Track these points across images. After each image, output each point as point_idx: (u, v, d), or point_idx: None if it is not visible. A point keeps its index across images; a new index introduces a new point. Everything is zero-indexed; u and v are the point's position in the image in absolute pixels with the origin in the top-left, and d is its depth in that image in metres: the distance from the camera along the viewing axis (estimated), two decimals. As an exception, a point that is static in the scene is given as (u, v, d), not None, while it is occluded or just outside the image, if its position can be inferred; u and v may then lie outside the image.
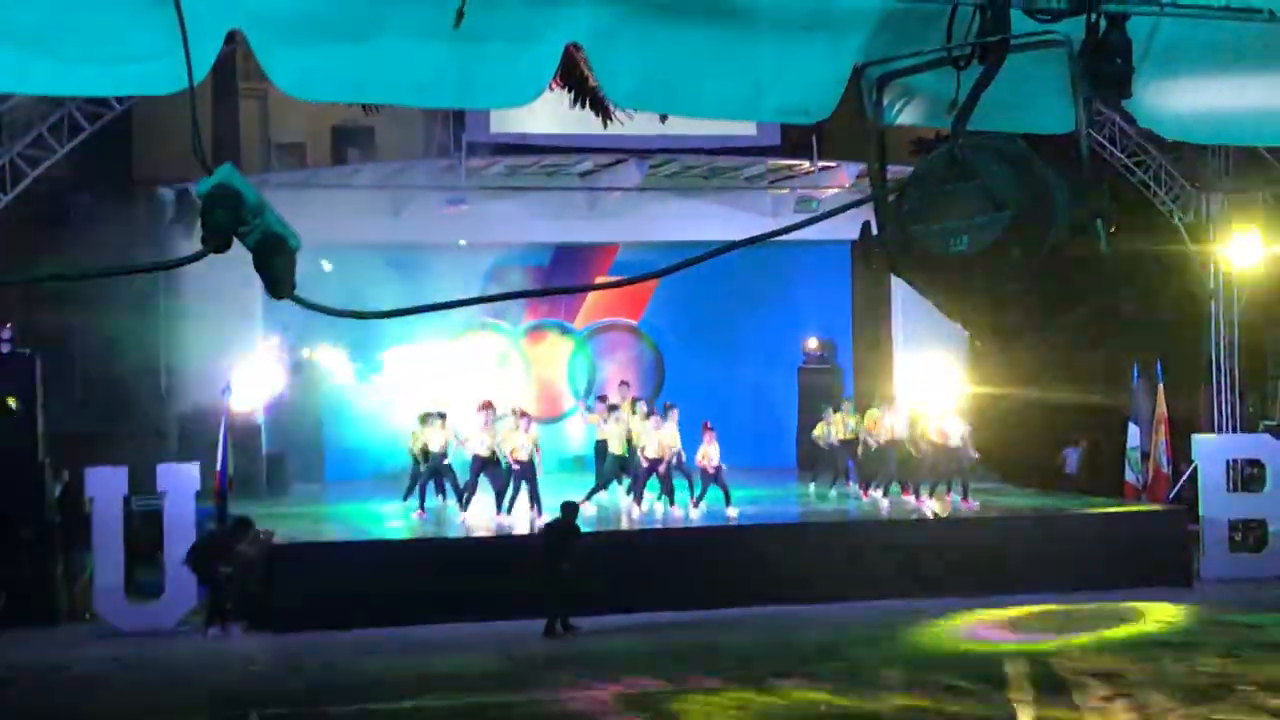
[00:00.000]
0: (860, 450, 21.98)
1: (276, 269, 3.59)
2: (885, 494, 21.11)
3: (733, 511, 19.81)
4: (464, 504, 19.69)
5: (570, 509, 16.86)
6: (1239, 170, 23.38)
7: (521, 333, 27.21)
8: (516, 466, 19.44)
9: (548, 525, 17.07)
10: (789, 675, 14.07)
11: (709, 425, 20.39)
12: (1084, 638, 16.06)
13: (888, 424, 21.43)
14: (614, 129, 16.98)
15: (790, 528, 19.84)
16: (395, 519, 20.25)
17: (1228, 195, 23.54)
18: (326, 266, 21.02)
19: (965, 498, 20.63)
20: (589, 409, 23.57)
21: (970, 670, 14.23)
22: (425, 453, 20.11)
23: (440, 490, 20.28)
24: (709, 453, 20.11)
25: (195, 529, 17.67)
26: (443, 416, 20.32)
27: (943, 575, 18.43)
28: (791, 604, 17.58)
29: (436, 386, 25.57)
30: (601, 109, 12.62)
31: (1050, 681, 13.71)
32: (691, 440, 20.38)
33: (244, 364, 21.77)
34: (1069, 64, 4.38)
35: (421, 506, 20.08)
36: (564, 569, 16.17)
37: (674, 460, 20.14)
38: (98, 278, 3.73)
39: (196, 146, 3.86)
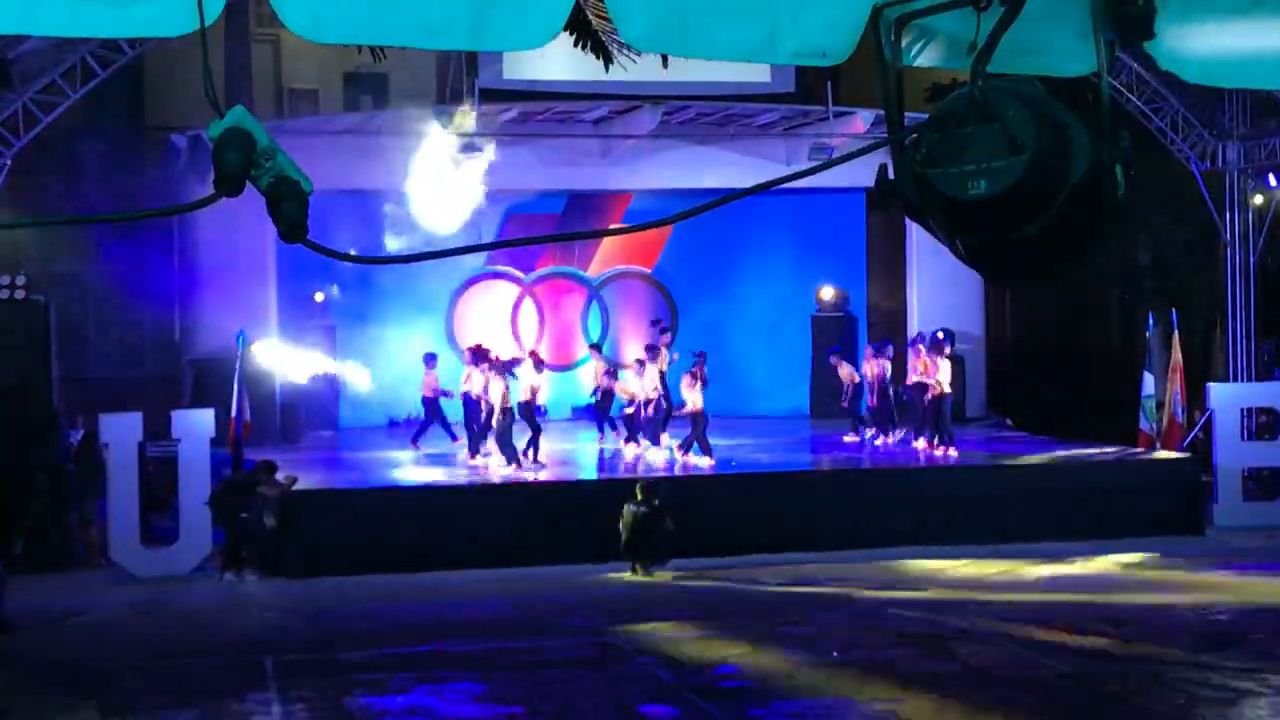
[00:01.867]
0: (886, 397, 21.93)
1: (289, 212, 3.55)
2: (889, 437, 21.17)
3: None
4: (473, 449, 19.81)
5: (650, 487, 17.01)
6: (1256, 117, 23.22)
7: (534, 281, 27.14)
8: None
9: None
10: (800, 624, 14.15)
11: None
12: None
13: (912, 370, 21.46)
14: (625, 75, 16.74)
15: (801, 475, 19.82)
16: (409, 465, 20.30)
17: (1245, 142, 23.39)
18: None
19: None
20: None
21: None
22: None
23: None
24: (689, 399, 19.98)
25: (210, 475, 17.73)
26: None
27: (955, 523, 18.44)
28: (800, 551, 17.62)
29: (449, 333, 25.61)
30: (604, 52, 12.29)
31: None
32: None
33: None
34: (1091, 5, 4.32)
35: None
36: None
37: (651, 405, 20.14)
38: (109, 221, 3.71)
39: (208, 88, 3.82)
